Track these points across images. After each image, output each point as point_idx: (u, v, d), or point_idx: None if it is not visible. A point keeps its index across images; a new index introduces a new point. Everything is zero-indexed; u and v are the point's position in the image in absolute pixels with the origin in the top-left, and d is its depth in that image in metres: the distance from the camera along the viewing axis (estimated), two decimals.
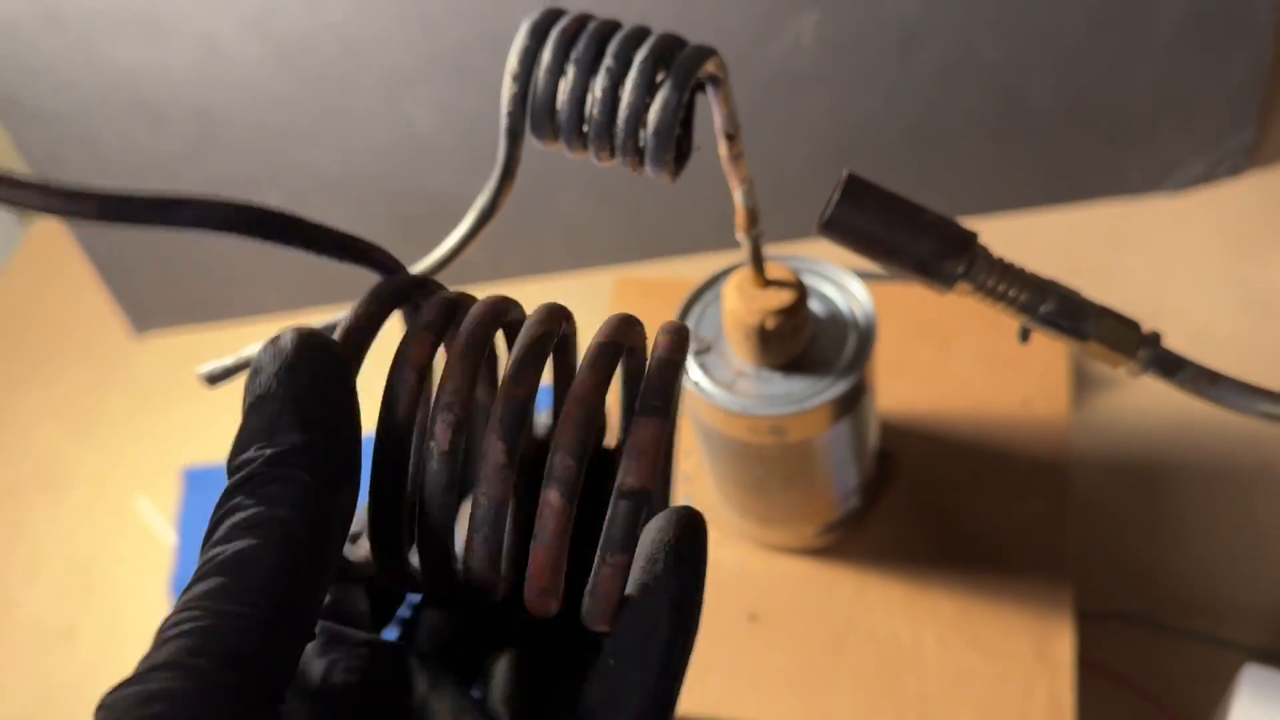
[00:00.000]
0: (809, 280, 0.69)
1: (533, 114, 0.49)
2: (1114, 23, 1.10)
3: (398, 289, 0.29)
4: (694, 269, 1.24)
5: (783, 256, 0.68)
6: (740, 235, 0.61)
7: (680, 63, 0.47)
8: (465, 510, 0.27)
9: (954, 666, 0.69)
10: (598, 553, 0.24)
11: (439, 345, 0.27)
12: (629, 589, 0.23)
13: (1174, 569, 0.96)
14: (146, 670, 0.21)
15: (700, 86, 0.49)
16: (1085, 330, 0.51)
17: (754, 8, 1.07)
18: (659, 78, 0.47)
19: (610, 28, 0.48)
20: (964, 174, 1.23)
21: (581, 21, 0.48)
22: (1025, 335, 0.54)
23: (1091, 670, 0.90)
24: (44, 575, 1.16)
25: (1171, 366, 0.51)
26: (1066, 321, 0.51)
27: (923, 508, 0.77)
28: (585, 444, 0.24)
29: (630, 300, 0.94)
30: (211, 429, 1.24)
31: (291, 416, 0.24)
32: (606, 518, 0.24)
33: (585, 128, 0.48)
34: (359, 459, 0.25)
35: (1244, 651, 0.88)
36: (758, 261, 0.63)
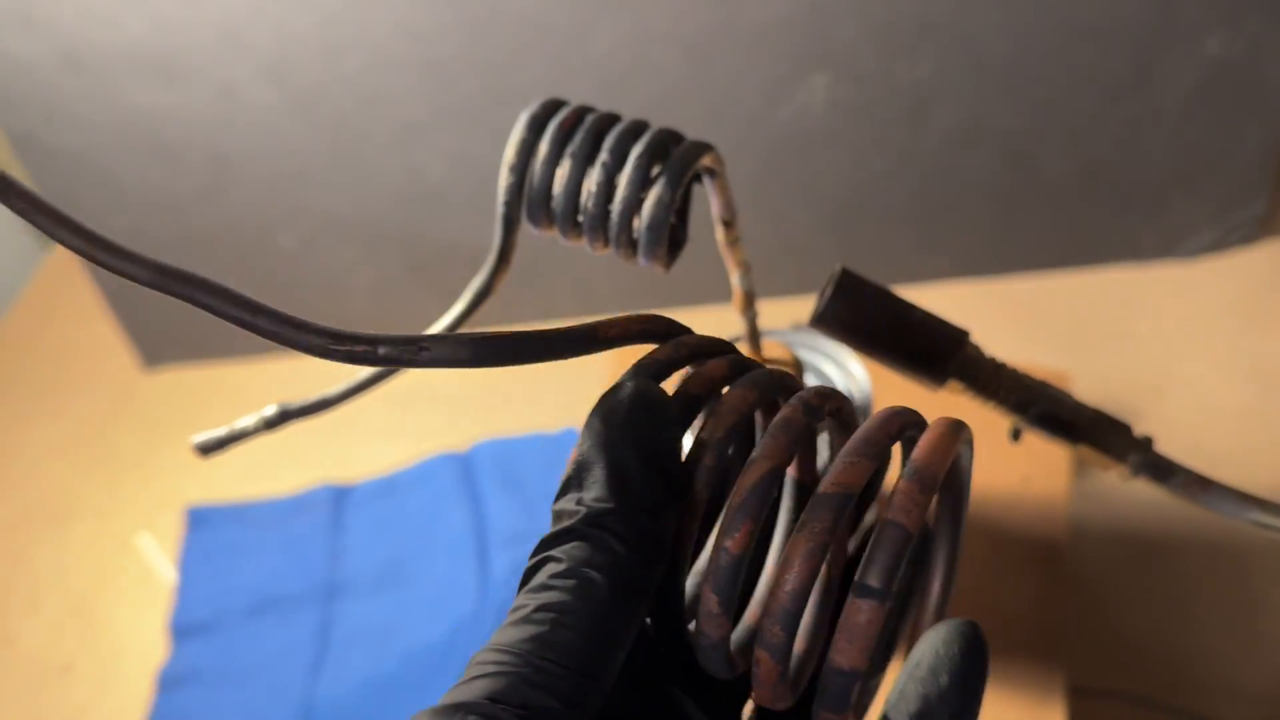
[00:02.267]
0: (806, 355, 0.69)
1: (529, 203, 0.49)
2: (1126, 92, 1.10)
3: (706, 348, 0.28)
4: (699, 320, 1.25)
5: (780, 332, 0.68)
6: (738, 315, 0.62)
7: (676, 158, 0.47)
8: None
9: None
10: (815, 702, 0.24)
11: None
12: (913, 704, 0.23)
13: (1170, 646, 0.95)
14: (452, 705, 0.22)
15: (697, 178, 0.50)
16: (1075, 433, 0.51)
17: (767, 70, 1.08)
18: (654, 172, 0.47)
19: (608, 121, 0.48)
20: (972, 235, 1.24)
21: (580, 114, 0.49)
22: (1017, 435, 0.54)
23: None
24: (44, 610, 1.16)
25: (1163, 472, 0.51)
26: (1056, 424, 0.51)
27: None
28: (797, 614, 0.24)
29: (632, 353, 0.94)
30: (216, 467, 1.24)
31: (615, 481, 0.24)
32: (820, 685, 0.24)
33: (580, 218, 0.49)
34: (671, 532, 0.25)
35: None
36: (754, 340, 0.63)
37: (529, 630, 0.23)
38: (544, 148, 0.48)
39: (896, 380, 0.87)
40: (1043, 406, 0.50)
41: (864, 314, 0.49)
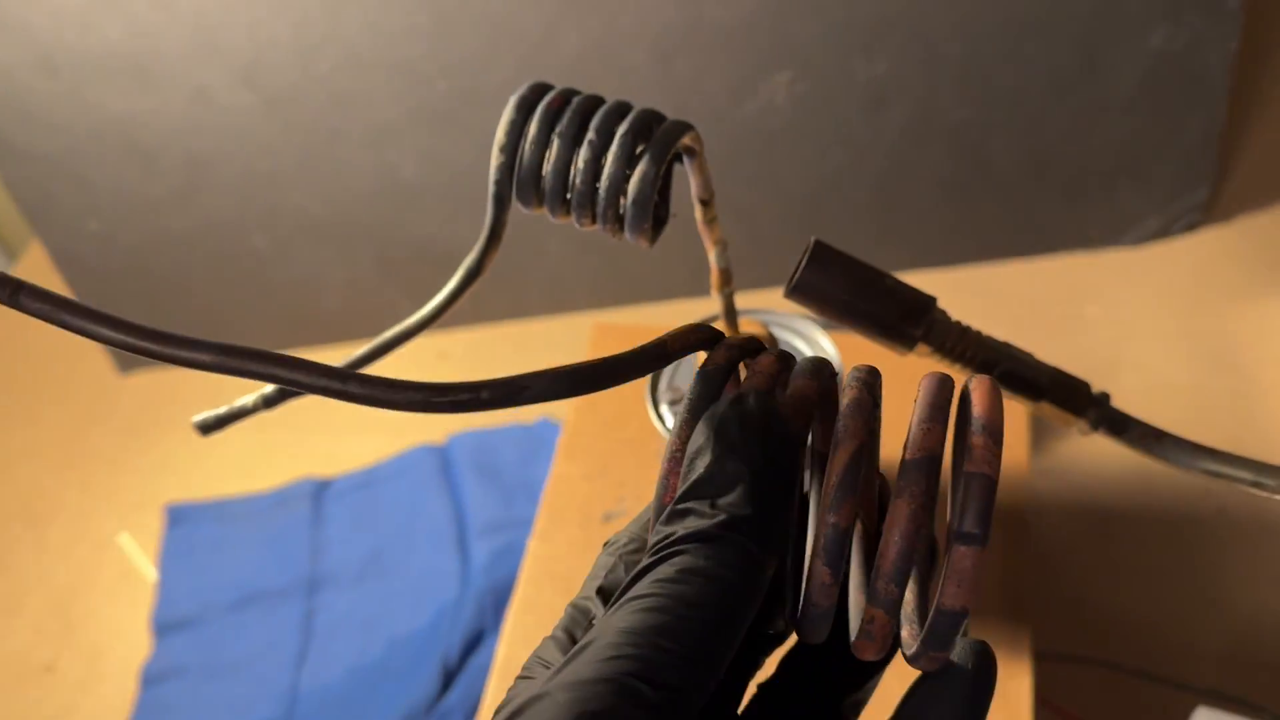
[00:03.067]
0: (778, 334, 0.73)
1: (519, 183, 0.52)
2: (1073, 85, 1.15)
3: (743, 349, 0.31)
4: (670, 315, 1.28)
5: (754, 311, 0.71)
6: (714, 293, 0.65)
7: (659, 137, 0.50)
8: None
9: None
10: (919, 645, 0.27)
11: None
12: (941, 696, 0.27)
13: (1130, 613, 0.99)
14: (576, 681, 0.23)
15: (678, 157, 0.53)
16: (1037, 391, 0.54)
17: (730, 68, 1.12)
18: (638, 150, 0.50)
19: (593, 103, 0.51)
20: (929, 226, 1.28)
21: (566, 97, 0.51)
22: None
23: (1050, 711, 0.93)
24: (25, 610, 1.17)
25: (1119, 425, 0.55)
26: (1020, 383, 0.54)
27: None
28: (907, 570, 0.27)
29: (607, 346, 0.97)
30: (193, 466, 1.26)
31: (754, 490, 0.26)
32: (929, 628, 0.27)
33: (568, 195, 0.52)
34: (790, 537, 0.28)
35: (1198, 693, 0.91)
36: (731, 317, 0.66)
37: (660, 619, 0.24)
38: (533, 129, 0.51)
39: (860, 354, 0.91)
40: (1006, 366, 0.53)
41: (837, 282, 0.52)
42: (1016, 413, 0.87)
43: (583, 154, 0.50)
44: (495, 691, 0.75)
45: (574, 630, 0.30)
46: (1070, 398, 0.55)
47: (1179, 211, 1.26)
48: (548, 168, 0.51)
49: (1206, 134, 1.20)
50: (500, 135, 0.51)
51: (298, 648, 1.07)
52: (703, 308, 1.24)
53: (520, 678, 0.29)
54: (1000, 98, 1.15)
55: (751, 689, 0.32)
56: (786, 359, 0.31)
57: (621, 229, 0.53)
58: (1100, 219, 1.27)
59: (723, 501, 0.26)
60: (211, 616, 1.11)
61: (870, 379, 0.30)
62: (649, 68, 1.10)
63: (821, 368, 0.30)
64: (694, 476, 0.27)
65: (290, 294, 1.30)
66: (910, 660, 0.28)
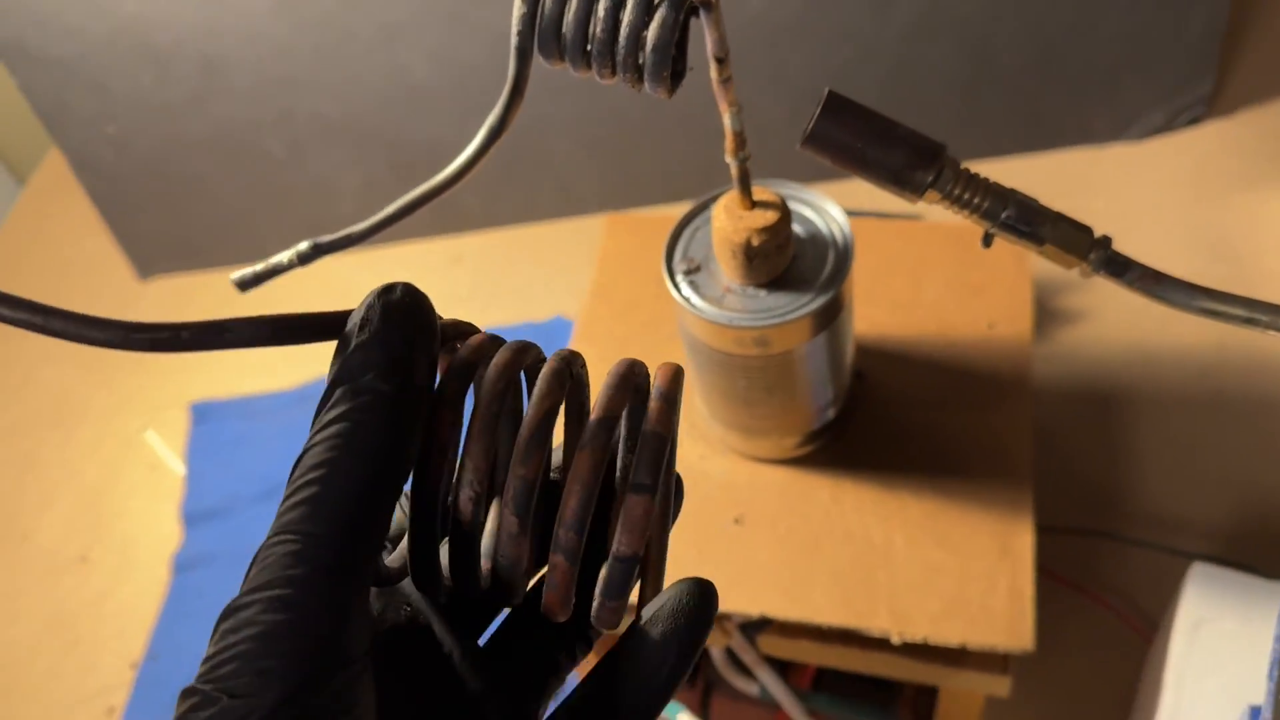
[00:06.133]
0: (791, 205, 0.75)
1: (540, 35, 0.54)
2: None
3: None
4: (679, 213, 1.29)
5: (767, 180, 0.73)
6: (729, 158, 0.67)
7: None
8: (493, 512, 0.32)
9: (922, 562, 0.75)
10: (597, 593, 0.29)
11: (460, 414, 0.31)
12: (654, 627, 0.29)
13: (1128, 487, 1.02)
14: (256, 588, 0.24)
15: (694, 10, 0.55)
16: (1042, 234, 0.56)
17: None
18: (656, 0, 0.52)
19: None
20: (935, 123, 1.29)
21: None
22: (988, 240, 0.59)
23: (1049, 580, 0.97)
24: (57, 506, 1.21)
25: (1120, 267, 0.57)
26: (1025, 226, 0.56)
27: (894, 422, 0.83)
28: (585, 519, 0.29)
29: (621, 236, 0.99)
30: (215, 366, 1.29)
31: (385, 362, 0.27)
32: (603, 575, 0.29)
33: (589, 47, 0.54)
34: (424, 411, 0.28)
35: (1193, 559, 0.95)
36: (745, 184, 0.68)
37: (299, 507, 0.25)
38: None
39: (871, 236, 0.93)
40: (1013, 210, 0.55)
41: (850, 130, 0.55)
42: (1020, 290, 0.89)
43: (602, 4, 0.52)
44: None
45: None
46: (1074, 240, 0.57)
47: (1182, 105, 1.27)
48: (569, 19, 0.53)
49: (1210, 28, 1.21)
50: None
51: None
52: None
53: None
54: None
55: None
56: (497, 340, 0.32)
57: (641, 79, 0.55)
58: (1105, 113, 1.28)
59: (370, 380, 0.27)
60: (238, 507, 1.14)
61: (571, 357, 0.31)
62: None
63: (525, 347, 0.32)
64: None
65: (305, 197, 1.32)
66: (594, 618, 0.29)
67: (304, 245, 0.60)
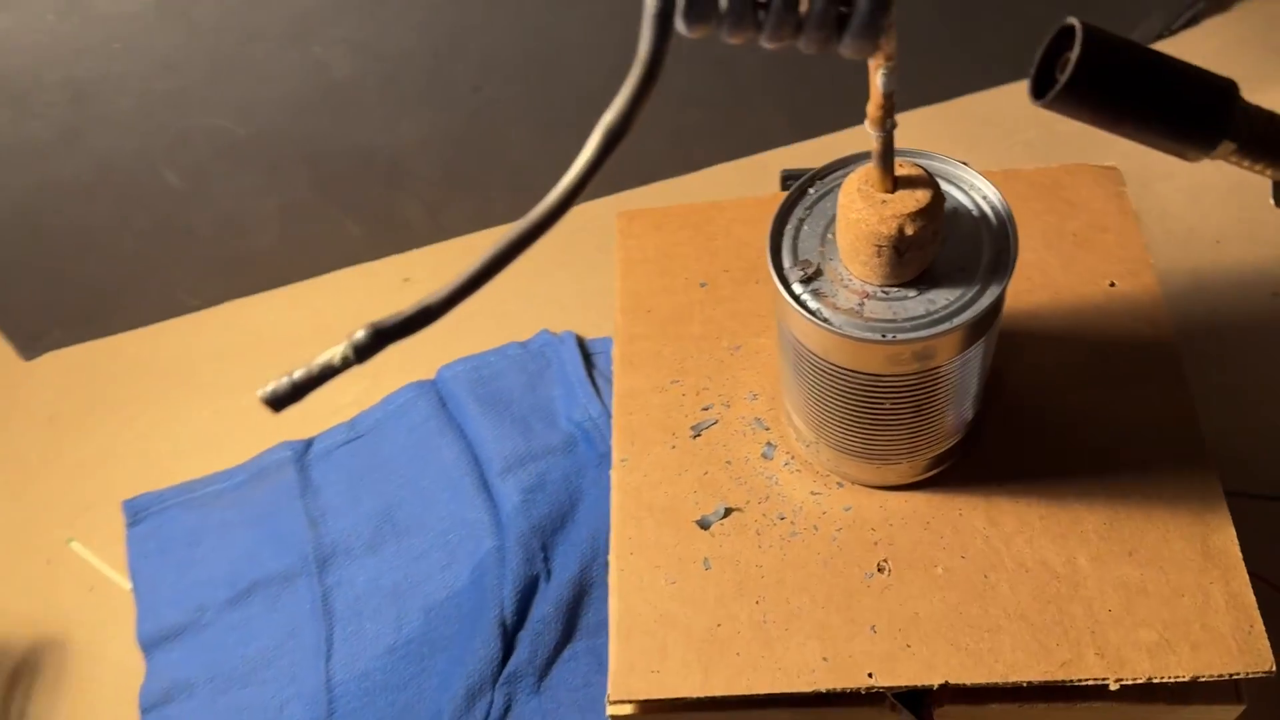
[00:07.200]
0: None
1: None
2: None
3: None
4: (694, 189, 1.12)
5: (908, 151, 0.58)
6: (871, 129, 0.51)
7: None
8: None
9: (1116, 584, 0.62)
10: None
11: None
12: None
13: (1244, 440, 0.92)
14: None
15: None
16: None
17: None
18: None
19: None
20: (929, 57, 1.16)
21: None
22: None
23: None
24: None
25: None
26: None
27: (1032, 415, 0.69)
28: None
29: (640, 235, 0.83)
30: (142, 450, 1.07)
31: None
32: None
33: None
34: None
35: None
36: (888, 160, 0.53)
37: None
38: None
39: (1027, 204, 0.79)
40: None
41: (1116, 78, 0.40)
42: (1130, 237, 0.76)
43: None
44: (621, 651, 0.62)
45: None
46: None
47: (1181, 6, 1.17)
48: None
49: None
50: None
51: (320, 635, 0.92)
52: (725, 176, 1.08)
53: None
54: None
55: None
56: None
57: (840, 35, 0.39)
58: (1103, 24, 1.17)
59: None
60: (207, 619, 0.95)
61: None
62: None
63: None
64: None
65: (216, 234, 1.11)
66: None
67: (360, 334, 0.42)
